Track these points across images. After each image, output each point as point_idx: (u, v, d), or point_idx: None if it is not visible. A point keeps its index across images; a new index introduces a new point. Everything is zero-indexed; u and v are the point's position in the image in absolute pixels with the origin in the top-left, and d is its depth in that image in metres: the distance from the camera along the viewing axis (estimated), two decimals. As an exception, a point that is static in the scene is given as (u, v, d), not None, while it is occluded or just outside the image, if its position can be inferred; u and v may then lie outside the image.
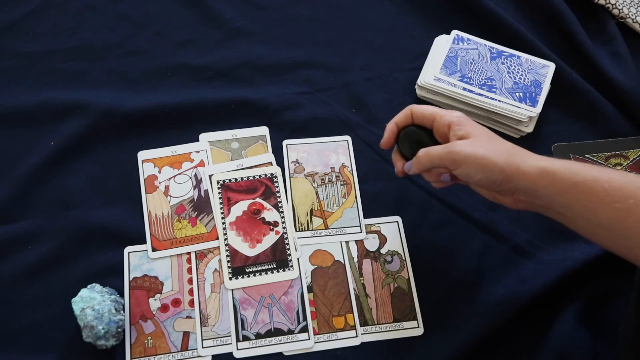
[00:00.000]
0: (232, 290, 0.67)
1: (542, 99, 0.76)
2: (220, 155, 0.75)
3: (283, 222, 0.71)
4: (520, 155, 0.51)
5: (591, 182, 0.47)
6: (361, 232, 0.71)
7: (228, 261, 0.68)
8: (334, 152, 0.77)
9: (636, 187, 0.45)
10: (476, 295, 0.67)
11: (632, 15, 0.87)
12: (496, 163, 0.50)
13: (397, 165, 0.63)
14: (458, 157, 0.52)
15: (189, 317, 0.65)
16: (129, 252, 0.68)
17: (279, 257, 0.69)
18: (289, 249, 0.69)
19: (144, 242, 0.69)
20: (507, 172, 0.50)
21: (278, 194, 0.73)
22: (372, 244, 0.71)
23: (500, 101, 0.76)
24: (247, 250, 0.69)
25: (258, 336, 0.65)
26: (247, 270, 0.68)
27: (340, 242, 0.71)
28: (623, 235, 0.46)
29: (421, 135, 0.60)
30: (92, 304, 0.60)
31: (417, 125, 0.60)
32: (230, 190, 0.73)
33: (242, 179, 0.73)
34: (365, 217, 0.72)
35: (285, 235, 0.70)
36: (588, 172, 0.48)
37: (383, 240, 0.71)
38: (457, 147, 0.53)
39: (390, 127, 0.61)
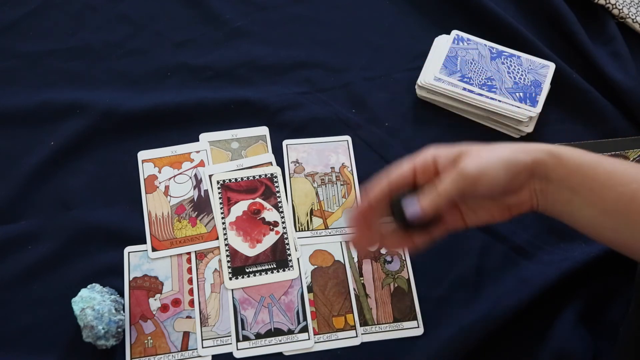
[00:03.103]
0: (232, 290, 0.67)
1: (542, 99, 0.76)
2: (220, 155, 0.75)
3: (283, 222, 0.71)
4: (522, 145, 0.50)
5: (594, 164, 0.47)
6: (361, 232, 0.71)
7: (228, 261, 0.68)
8: (334, 152, 0.77)
9: (637, 172, 0.46)
10: (476, 295, 0.67)
11: (632, 15, 0.87)
12: (517, 156, 0.48)
13: (398, 243, 0.53)
14: (475, 172, 0.47)
15: (189, 317, 0.65)
16: (129, 252, 0.68)
17: (279, 257, 0.69)
18: (289, 249, 0.69)
19: (144, 242, 0.69)
20: (529, 162, 0.48)
21: (278, 194, 0.73)
22: (372, 244, 0.71)
23: (500, 101, 0.76)
24: (247, 250, 0.69)
25: (258, 336, 0.65)
26: (247, 270, 0.68)
27: (340, 242, 0.71)
28: (627, 222, 0.46)
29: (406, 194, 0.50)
30: (92, 304, 0.60)
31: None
32: (230, 190, 0.73)
33: (242, 179, 0.73)
34: (365, 217, 0.72)
35: (285, 235, 0.70)
36: (589, 156, 0.48)
37: (383, 240, 0.71)
38: (470, 164, 0.47)
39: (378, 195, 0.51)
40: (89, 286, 0.64)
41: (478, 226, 0.55)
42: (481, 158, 0.48)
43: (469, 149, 0.49)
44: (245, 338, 0.65)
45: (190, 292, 0.67)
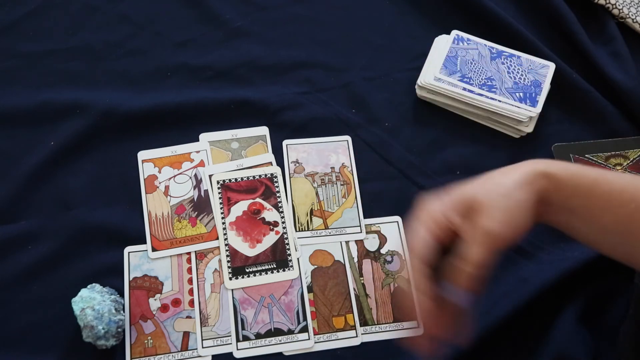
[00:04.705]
0: (232, 290, 0.67)
1: (542, 99, 0.76)
2: (220, 155, 0.75)
3: (283, 222, 0.71)
4: (521, 174, 0.46)
5: (591, 186, 0.45)
6: (361, 232, 0.71)
7: (228, 261, 0.68)
8: (334, 152, 0.77)
9: (635, 189, 0.45)
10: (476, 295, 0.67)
11: (632, 15, 0.87)
12: (525, 192, 0.45)
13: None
14: (505, 230, 0.43)
15: (189, 317, 0.65)
16: (129, 252, 0.68)
17: (279, 257, 0.69)
18: (289, 249, 0.69)
19: (144, 242, 0.69)
20: (535, 195, 0.45)
21: (278, 194, 0.73)
22: (372, 244, 0.71)
23: (500, 101, 0.76)
24: (247, 250, 0.69)
25: (258, 336, 0.65)
26: (247, 270, 0.68)
27: (340, 242, 0.71)
28: (627, 241, 0.45)
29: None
30: (92, 304, 0.60)
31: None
32: (230, 190, 0.73)
33: (242, 179, 0.73)
34: (365, 217, 0.72)
35: (285, 235, 0.70)
36: (586, 176, 0.46)
37: (383, 240, 0.71)
38: (493, 223, 0.43)
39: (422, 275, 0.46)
40: (89, 286, 0.64)
41: None
42: (500, 209, 0.44)
43: (476, 199, 0.45)
44: (245, 338, 0.65)
45: (190, 292, 0.67)
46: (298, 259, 0.69)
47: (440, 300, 0.46)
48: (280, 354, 0.64)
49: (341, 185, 0.74)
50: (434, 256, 0.46)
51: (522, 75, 0.78)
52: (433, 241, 0.45)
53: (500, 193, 0.45)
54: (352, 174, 0.75)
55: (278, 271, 0.68)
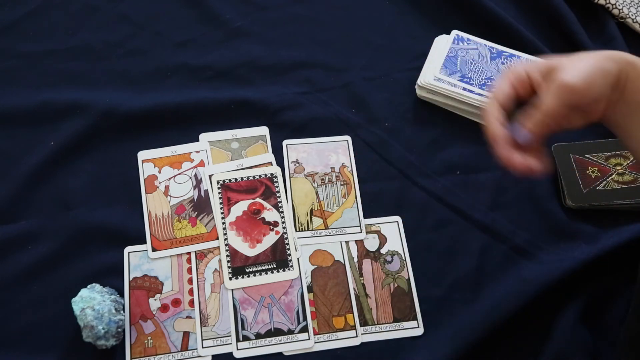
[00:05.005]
0: (232, 290, 0.67)
1: (542, 99, 0.76)
2: (220, 155, 0.75)
3: (283, 222, 0.71)
4: (607, 53, 0.49)
5: None
6: (361, 232, 0.71)
7: (228, 261, 0.68)
8: (334, 152, 0.77)
9: None
10: (476, 295, 0.67)
11: (632, 15, 0.87)
12: (609, 65, 0.48)
13: (512, 158, 0.49)
14: (582, 84, 0.47)
15: (189, 317, 0.65)
16: (129, 252, 0.68)
17: (279, 257, 0.69)
18: (289, 249, 0.69)
19: (144, 242, 0.69)
20: (616, 72, 0.48)
21: (278, 194, 0.73)
22: (372, 244, 0.71)
23: (500, 101, 0.76)
24: (247, 250, 0.69)
25: (258, 336, 0.65)
26: (247, 270, 0.68)
27: (340, 242, 0.71)
28: None
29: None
30: (92, 304, 0.60)
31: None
32: (230, 190, 0.73)
33: (242, 179, 0.73)
34: (365, 217, 0.72)
35: (285, 235, 0.70)
36: None
37: (383, 240, 0.71)
38: (573, 77, 0.47)
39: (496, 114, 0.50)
40: (89, 286, 0.64)
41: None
42: (580, 69, 0.47)
43: (560, 63, 0.49)
44: (245, 338, 0.65)
45: (190, 292, 0.67)
46: (298, 259, 0.69)
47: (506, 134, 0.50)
48: (280, 354, 0.64)
49: (341, 185, 0.74)
50: (507, 101, 0.50)
51: (522, 75, 0.78)
52: (510, 90, 0.50)
53: (582, 59, 0.48)
54: (352, 174, 0.75)
55: (278, 271, 0.68)
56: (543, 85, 0.49)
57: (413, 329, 0.66)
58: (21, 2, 0.86)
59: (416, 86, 0.80)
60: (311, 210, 0.72)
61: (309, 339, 0.65)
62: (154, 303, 0.66)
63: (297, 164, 0.75)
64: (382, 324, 0.66)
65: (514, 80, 0.50)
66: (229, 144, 0.76)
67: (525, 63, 0.51)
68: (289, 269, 0.68)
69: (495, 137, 0.49)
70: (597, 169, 0.74)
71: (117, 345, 0.62)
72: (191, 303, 0.66)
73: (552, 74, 0.48)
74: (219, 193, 0.72)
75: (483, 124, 0.51)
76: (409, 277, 0.69)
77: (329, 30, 0.87)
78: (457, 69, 0.78)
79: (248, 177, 0.74)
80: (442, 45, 0.81)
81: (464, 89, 0.76)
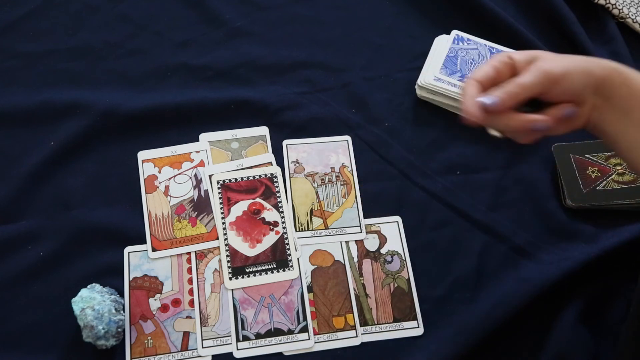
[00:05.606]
0: (232, 290, 0.67)
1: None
2: (220, 155, 0.75)
3: (283, 222, 0.71)
4: (594, 59, 0.51)
5: None
6: (361, 232, 0.71)
7: (228, 261, 0.68)
8: (334, 152, 0.77)
9: None
10: (476, 295, 0.67)
11: (632, 15, 0.87)
12: (593, 67, 0.50)
13: (469, 104, 0.51)
14: (558, 72, 0.49)
15: (189, 317, 0.65)
16: (129, 252, 0.68)
17: (279, 257, 0.69)
18: (289, 249, 0.69)
19: (144, 242, 0.69)
20: (600, 76, 0.49)
21: (278, 194, 0.73)
22: (372, 244, 0.71)
23: (500, 101, 0.76)
24: (247, 250, 0.69)
25: (258, 336, 0.65)
26: (247, 270, 0.68)
27: (340, 242, 0.71)
28: None
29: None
30: (92, 304, 0.60)
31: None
32: (230, 190, 0.73)
33: (242, 179, 0.73)
34: (365, 217, 0.72)
35: (285, 235, 0.70)
36: None
37: (383, 240, 0.71)
38: (552, 65, 0.49)
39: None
40: (89, 286, 0.64)
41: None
42: (562, 62, 0.50)
43: (544, 54, 0.51)
44: (245, 338, 0.65)
45: (190, 292, 0.67)
46: (298, 259, 0.69)
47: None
48: (280, 354, 0.64)
49: (341, 185, 0.74)
50: (487, 81, 0.51)
51: (522, 75, 0.78)
52: (491, 71, 0.51)
53: (568, 56, 0.51)
54: (352, 174, 0.75)
55: (278, 271, 0.68)
56: (525, 68, 0.51)
57: (413, 329, 0.66)
58: (21, 2, 0.86)
59: (416, 86, 0.80)
60: (311, 210, 0.72)
61: (309, 339, 0.65)
62: (154, 303, 0.66)
63: (297, 164, 0.75)
64: (382, 324, 0.66)
65: (497, 63, 0.52)
66: (229, 144, 0.76)
67: (511, 52, 0.53)
68: (289, 269, 0.68)
69: (470, 112, 0.50)
70: (597, 169, 0.74)
71: (117, 345, 0.62)
72: (191, 303, 0.66)
73: (535, 61, 0.50)
74: (219, 193, 0.72)
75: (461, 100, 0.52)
76: (409, 277, 0.69)
77: (329, 30, 0.87)
78: (457, 69, 0.78)
79: (248, 177, 0.74)
80: (442, 45, 0.81)
81: (464, 89, 0.76)
